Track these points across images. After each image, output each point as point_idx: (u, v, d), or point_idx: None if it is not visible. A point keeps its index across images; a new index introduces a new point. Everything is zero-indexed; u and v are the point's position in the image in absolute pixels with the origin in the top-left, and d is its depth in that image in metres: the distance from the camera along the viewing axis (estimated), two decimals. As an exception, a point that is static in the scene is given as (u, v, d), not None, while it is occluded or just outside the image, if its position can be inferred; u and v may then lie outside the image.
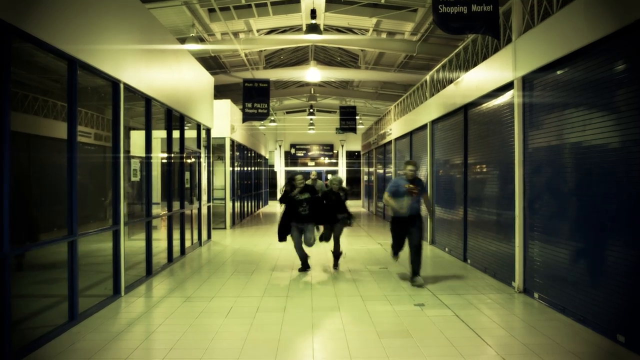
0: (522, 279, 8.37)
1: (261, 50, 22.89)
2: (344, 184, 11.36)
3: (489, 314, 7.20)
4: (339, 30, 20.29)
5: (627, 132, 5.86)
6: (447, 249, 12.45)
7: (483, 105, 10.34)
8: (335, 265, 10.72)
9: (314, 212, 10.13)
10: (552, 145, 7.60)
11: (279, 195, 10.97)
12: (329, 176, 9.34)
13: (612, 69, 6.24)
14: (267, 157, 36.51)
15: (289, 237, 10.26)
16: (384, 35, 20.18)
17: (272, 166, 41.13)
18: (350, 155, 42.09)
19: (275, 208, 30.87)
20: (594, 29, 6.31)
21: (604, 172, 6.32)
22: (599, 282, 6.35)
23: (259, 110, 20.20)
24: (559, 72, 7.43)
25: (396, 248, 9.53)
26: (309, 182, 12.17)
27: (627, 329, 5.78)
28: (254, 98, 20.05)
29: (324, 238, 10.86)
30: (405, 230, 9.16)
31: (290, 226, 10.17)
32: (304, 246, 10.31)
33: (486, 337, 6.15)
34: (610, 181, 6.21)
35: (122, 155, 8.15)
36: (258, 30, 19.72)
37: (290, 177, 10.37)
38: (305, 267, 10.38)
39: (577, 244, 6.90)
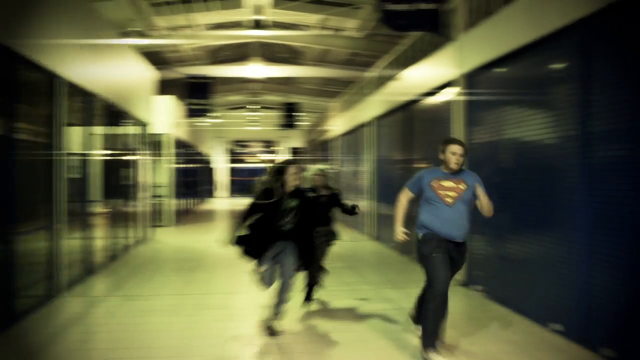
0: (464, 273, 8.53)
1: (205, 46, 22.60)
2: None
3: (432, 307, 7.32)
4: (284, 26, 20.23)
5: (565, 128, 6.06)
6: (392, 245, 12.59)
7: (427, 102, 10.49)
8: (308, 297, 7.31)
9: (302, 226, 6.15)
10: (494, 141, 7.79)
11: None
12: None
13: (552, 67, 6.45)
14: (209, 154, 36.15)
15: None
16: (329, 32, 20.24)
17: (214, 163, 40.72)
18: (294, 151, 42.06)
19: (217, 205, 30.56)
20: (536, 27, 6.48)
21: (542, 168, 6.54)
22: (536, 275, 6.56)
23: (202, 107, 19.99)
24: (501, 70, 7.62)
25: (435, 302, 5.10)
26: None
27: (562, 318, 5.99)
28: (197, 94, 19.82)
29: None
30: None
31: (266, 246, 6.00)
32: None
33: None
34: (547, 177, 6.42)
35: (59, 152, 7.90)
36: (203, 26, 19.47)
37: (278, 167, 6.09)
38: (274, 328, 6.06)
39: (515, 238, 7.10)
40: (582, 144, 5.75)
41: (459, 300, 7.77)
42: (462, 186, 5.28)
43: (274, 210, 5.94)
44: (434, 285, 5.10)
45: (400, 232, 5.45)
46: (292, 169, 6.03)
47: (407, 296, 7.92)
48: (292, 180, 6.02)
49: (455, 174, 5.33)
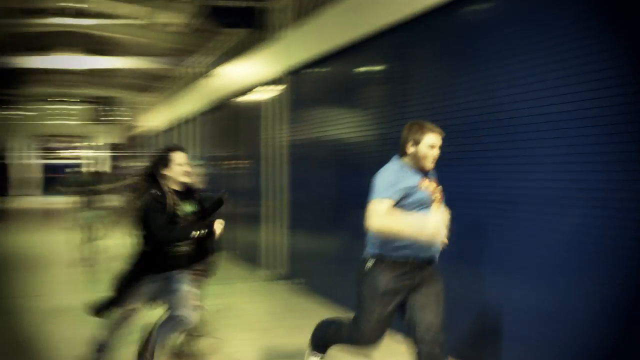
0: (286, 267, 8.82)
1: (19, 33, 21.02)
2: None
3: (256, 299, 7.59)
4: (105, 16, 19.44)
5: (381, 127, 6.37)
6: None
7: (251, 98, 10.59)
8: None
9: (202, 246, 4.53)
10: (314, 138, 8.02)
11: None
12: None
13: (371, 67, 6.78)
14: (19, 149, 33.69)
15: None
16: (154, 26, 19.78)
17: (23, 158, 37.78)
18: (111, 147, 40.18)
19: (27, 203, 28.37)
20: (357, 28, 6.70)
21: (357, 165, 6.82)
22: (350, 266, 6.99)
23: (12, 98, 18.59)
24: (324, 69, 7.85)
25: (365, 338, 3.75)
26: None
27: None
28: (6, 85, 18.39)
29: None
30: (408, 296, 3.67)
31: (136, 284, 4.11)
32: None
33: (251, 322, 6.52)
34: (360, 174, 6.66)
35: None
36: (17, 10, 18.10)
37: (158, 157, 4.21)
38: None
39: (332, 233, 7.43)
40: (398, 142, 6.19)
41: (282, 293, 8.11)
42: (439, 189, 3.74)
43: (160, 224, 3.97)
44: (360, 338, 3.76)
45: (433, 225, 3.30)
46: (178, 157, 4.18)
47: (232, 291, 8.13)
48: (179, 174, 4.16)
49: (426, 174, 3.72)
